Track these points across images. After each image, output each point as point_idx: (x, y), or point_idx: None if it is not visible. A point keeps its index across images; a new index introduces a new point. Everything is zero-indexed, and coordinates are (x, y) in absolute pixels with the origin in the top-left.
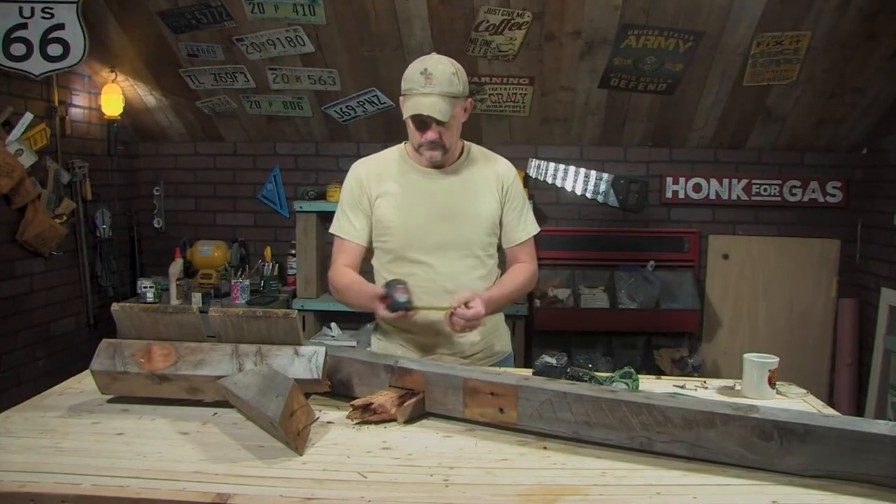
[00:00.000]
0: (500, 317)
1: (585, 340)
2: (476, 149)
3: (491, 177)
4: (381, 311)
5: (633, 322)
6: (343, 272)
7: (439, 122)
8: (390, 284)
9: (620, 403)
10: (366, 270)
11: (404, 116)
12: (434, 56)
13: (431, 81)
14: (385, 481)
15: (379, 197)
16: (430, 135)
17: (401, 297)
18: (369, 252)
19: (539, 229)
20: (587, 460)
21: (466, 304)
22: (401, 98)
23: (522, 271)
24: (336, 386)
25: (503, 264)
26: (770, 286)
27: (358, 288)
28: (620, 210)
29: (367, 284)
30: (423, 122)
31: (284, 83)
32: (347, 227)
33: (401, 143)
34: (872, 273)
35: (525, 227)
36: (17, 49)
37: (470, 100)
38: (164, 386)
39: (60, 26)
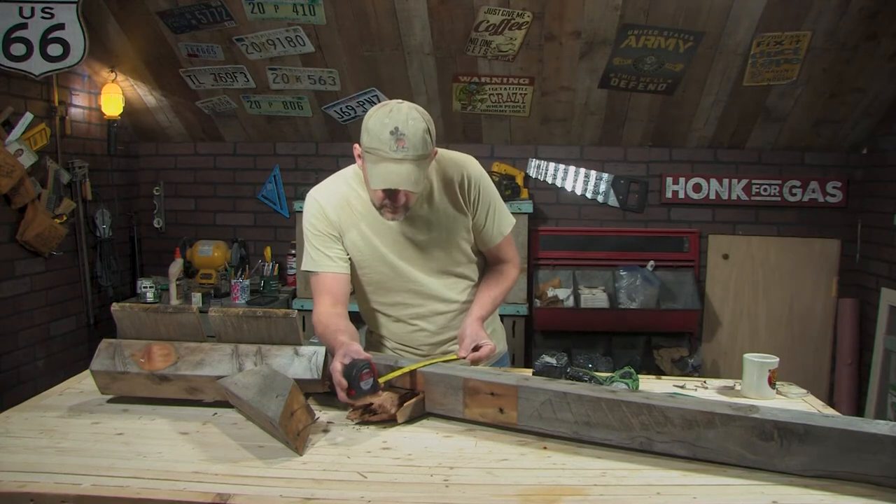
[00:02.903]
0: (495, 317)
1: (585, 340)
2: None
3: (453, 189)
4: (342, 396)
5: (633, 322)
6: (319, 319)
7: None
8: (352, 371)
9: (620, 403)
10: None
11: (372, 186)
12: (403, 108)
13: (404, 144)
14: (385, 481)
15: (346, 228)
16: (400, 200)
17: (365, 385)
18: (350, 278)
19: (514, 220)
20: (587, 460)
21: (475, 348)
22: (360, 151)
23: (507, 275)
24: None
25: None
26: (770, 286)
27: (328, 340)
28: (620, 210)
29: (336, 339)
30: (392, 191)
31: (284, 83)
32: (323, 260)
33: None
34: (872, 273)
35: (498, 226)
36: (17, 49)
37: (435, 148)
38: (164, 386)
39: (60, 26)
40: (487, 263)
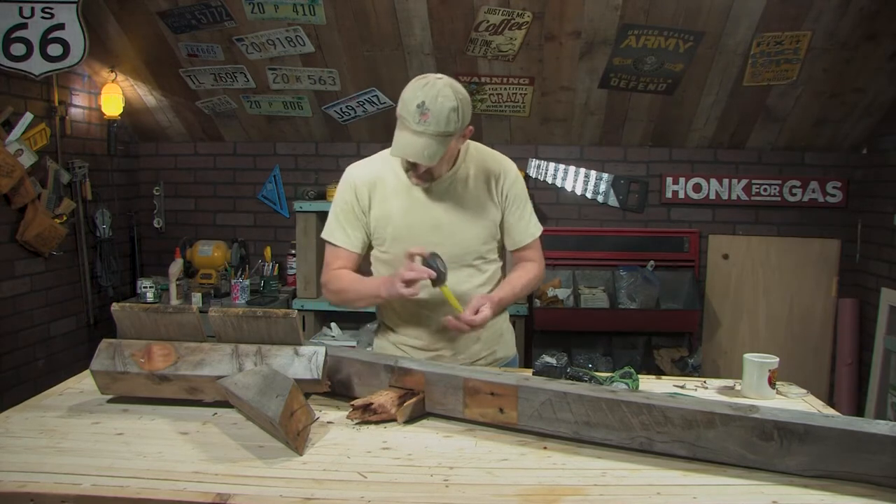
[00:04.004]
0: (504, 322)
1: (585, 340)
2: (474, 148)
3: (488, 180)
4: (400, 287)
5: (633, 322)
6: (339, 275)
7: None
8: (433, 257)
9: (620, 403)
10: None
11: (390, 151)
12: (438, 84)
13: (427, 118)
14: (385, 481)
15: (374, 206)
16: (420, 168)
17: (443, 266)
18: (364, 259)
19: (542, 229)
20: (587, 460)
21: (477, 310)
22: (397, 113)
23: (531, 269)
24: (336, 386)
25: (509, 265)
26: (770, 286)
27: (359, 284)
28: (620, 210)
29: (369, 279)
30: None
31: (284, 83)
32: (341, 236)
33: None
34: (872, 273)
35: (528, 228)
36: (17, 49)
37: (470, 126)
38: (164, 386)
39: (60, 26)
40: (513, 265)
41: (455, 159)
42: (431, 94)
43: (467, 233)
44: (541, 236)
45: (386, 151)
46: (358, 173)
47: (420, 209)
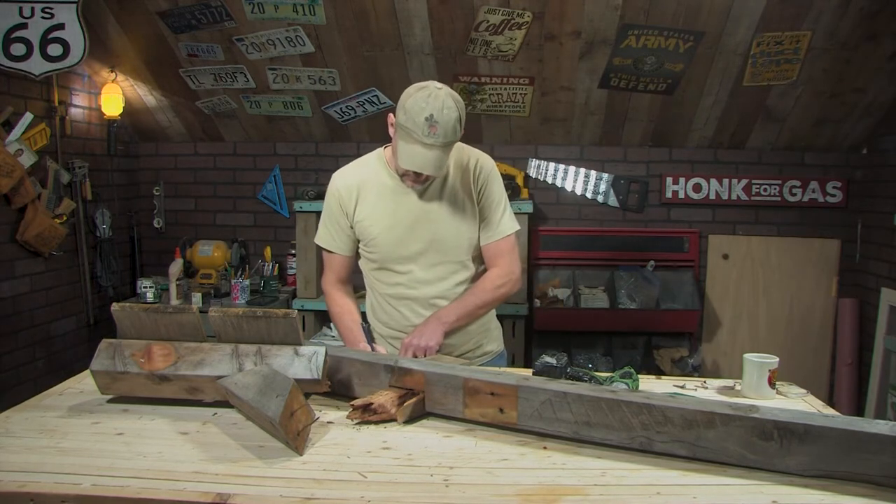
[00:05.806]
0: (490, 316)
1: (585, 340)
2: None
3: (465, 173)
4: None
5: (633, 322)
6: (332, 297)
7: None
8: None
9: (620, 403)
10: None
11: (400, 163)
12: (440, 95)
13: (436, 131)
14: (385, 481)
15: (358, 211)
16: (422, 177)
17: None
18: (356, 258)
19: (517, 227)
20: (587, 460)
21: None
22: (394, 126)
23: (489, 282)
24: (336, 386)
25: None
26: (770, 286)
27: (340, 325)
28: (620, 210)
29: (351, 330)
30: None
31: (284, 83)
32: (328, 240)
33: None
34: (872, 273)
35: (499, 225)
36: (17, 49)
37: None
38: (164, 386)
39: (60, 26)
40: (486, 263)
41: None
42: (437, 106)
43: (450, 228)
44: (537, 238)
45: (370, 155)
46: (341, 181)
47: (404, 209)
